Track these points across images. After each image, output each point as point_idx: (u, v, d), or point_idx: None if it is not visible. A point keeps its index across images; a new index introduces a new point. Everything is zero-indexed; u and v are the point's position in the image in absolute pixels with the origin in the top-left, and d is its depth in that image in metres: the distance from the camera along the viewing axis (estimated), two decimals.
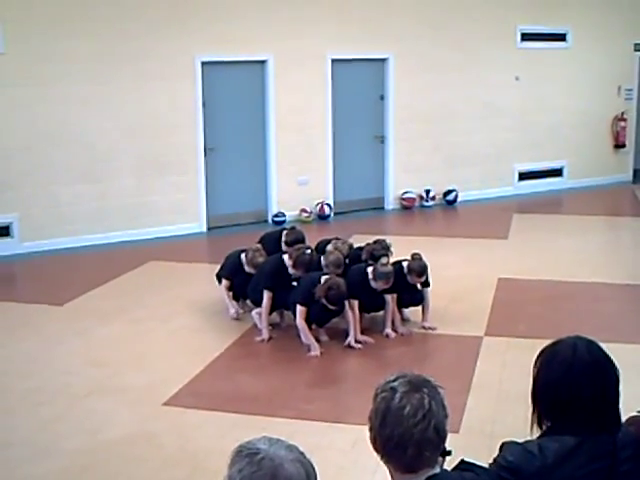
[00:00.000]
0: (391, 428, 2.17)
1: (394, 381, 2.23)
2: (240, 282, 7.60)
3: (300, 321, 6.88)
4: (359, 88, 12.53)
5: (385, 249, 7.51)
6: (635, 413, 2.71)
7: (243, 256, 7.59)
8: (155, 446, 5.28)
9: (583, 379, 2.47)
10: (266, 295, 7.14)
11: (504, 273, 9.04)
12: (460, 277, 8.88)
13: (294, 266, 7.16)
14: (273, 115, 11.77)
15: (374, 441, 2.24)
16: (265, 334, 7.16)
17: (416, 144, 12.96)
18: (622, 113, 14.89)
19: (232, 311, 7.66)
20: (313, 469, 1.96)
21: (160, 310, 8.02)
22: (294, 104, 11.82)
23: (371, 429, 2.24)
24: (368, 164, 12.79)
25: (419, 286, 7.37)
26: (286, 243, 7.78)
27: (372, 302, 7.21)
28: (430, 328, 7.35)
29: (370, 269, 7.07)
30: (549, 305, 7.95)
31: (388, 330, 7.19)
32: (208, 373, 6.48)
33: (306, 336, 6.88)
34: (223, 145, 11.58)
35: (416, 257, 7.27)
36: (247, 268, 7.54)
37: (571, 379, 2.48)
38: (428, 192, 13.06)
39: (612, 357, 2.56)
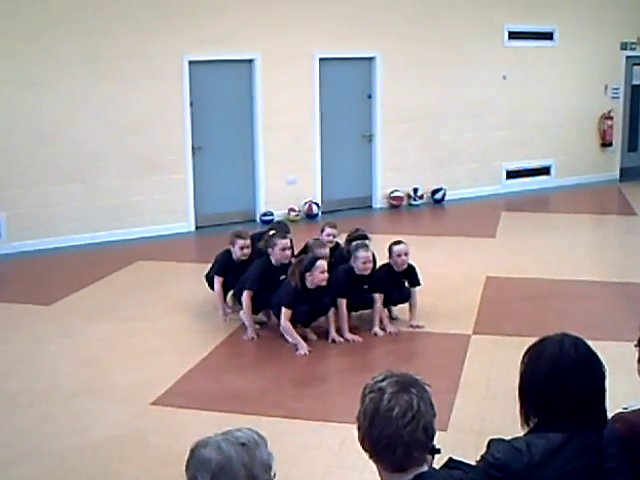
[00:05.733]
0: (380, 429, 2.17)
1: (382, 381, 2.22)
2: (231, 280, 7.60)
3: (285, 322, 6.87)
4: (347, 87, 12.53)
5: (361, 235, 7.57)
6: (621, 410, 2.73)
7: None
8: (143, 446, 5.26)
9: (569, 376, 2.49)
10: (246, 294, 7.12)
11: (492, 271, 9.07)
12: (448, 275, 8.90)
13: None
14: (261, 114, 11.76)
15: (362, 441, 2.24)
16: (251, 333, 7.16)
17: (404, 143, 12.97)
18: (609, 111, 14.95)
19: (220, 313, 7.65)
20: (247, 459, 2.12)
21: (148, 310, 8.00)
22: (282, 103, 11.81)
23: (359, 429, 2.24)
24: (356, 163, 12.80)
25: (407, 284, 7.40)
26: None
27: (359, 300, 7.23)
28: (418, 326, 7.36)
29: (352, 260, 7.12)
30: (536, 303, 7.97)
31: (376, 329, 7.20)
32: (196, 372, 6.47)
33: (292, 336, 6.88)
34: (211, 144, 11.56)
35: (396, 242, 7.33)
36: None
37: (558, 376, 2.49)
38: (416, 191, 13.07)
39: (598, 354, 2.58)
